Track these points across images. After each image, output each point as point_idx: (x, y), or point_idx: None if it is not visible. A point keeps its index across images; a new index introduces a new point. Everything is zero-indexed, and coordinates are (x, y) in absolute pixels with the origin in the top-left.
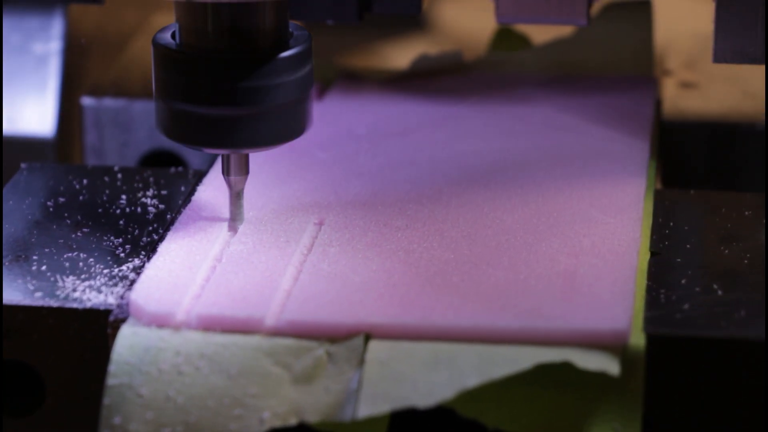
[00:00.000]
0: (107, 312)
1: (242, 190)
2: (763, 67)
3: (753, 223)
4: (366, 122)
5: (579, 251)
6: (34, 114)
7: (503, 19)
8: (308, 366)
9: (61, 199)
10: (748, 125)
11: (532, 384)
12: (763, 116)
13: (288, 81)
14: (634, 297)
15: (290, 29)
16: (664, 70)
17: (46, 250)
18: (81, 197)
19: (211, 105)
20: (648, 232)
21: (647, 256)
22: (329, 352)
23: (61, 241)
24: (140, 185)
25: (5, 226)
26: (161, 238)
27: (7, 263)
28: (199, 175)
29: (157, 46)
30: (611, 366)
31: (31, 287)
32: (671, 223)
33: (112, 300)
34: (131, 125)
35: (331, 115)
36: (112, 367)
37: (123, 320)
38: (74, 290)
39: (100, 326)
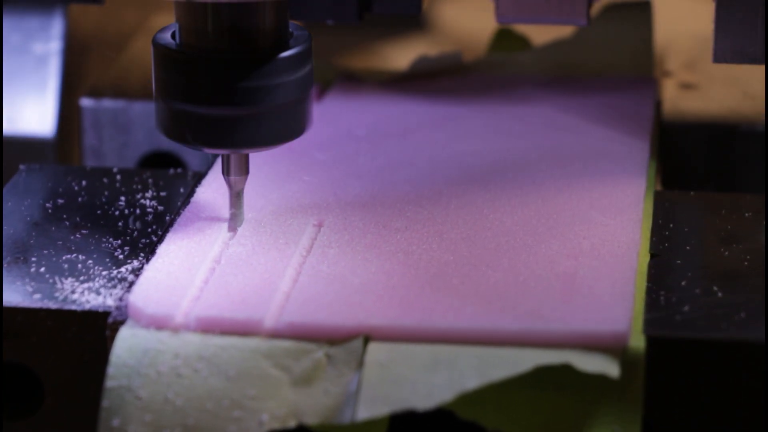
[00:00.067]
0: (106, 314)
1: (242, 190)
2: (763, 68)
3: (753, 225)
4: (365, 123)
5: (579, 253)
6: (34, 114)
7: (503, 19)
8: (307, 368)
9: (60, 201)
10: (748, 126)
11: (531, 386)
12: (763, 117)
13: (288, 81)
14: (633, 299)
15: (290, 29)
16: (664, 71)
17: (45, 251)
18: (80, 199)
19: (211, 105)
20: (648, 234)
21: (647, 257)
22: (328, 354)
23: (60, 242)
24: (139, 187)
25: (4, 227)
26: (160, 240)
27: (6, 265)
28: (198, 177)
29: (157, 46)
30: (611, 368)
31: (30, 289)
32: (671, 225)
33: (110, 302)
34: (130, 126)
35: (330, 116)
36: (111, 369)
37: (122, 322)
38: (73, 292)
39: (99, 328)
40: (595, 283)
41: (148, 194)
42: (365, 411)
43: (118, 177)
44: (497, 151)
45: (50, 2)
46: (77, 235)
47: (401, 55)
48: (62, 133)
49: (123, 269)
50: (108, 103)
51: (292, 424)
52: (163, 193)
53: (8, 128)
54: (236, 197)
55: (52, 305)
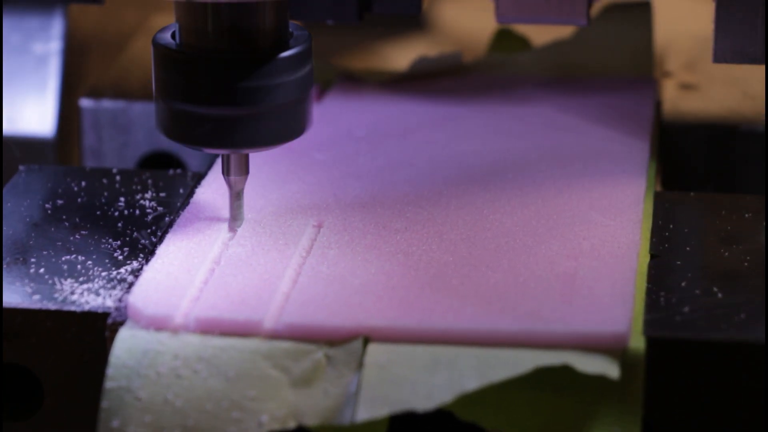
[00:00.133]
0: (105, 315)
1: (242, 190)
2: (763, 68)
3: (753, 225)
4: (365, 123)
5: (578, 253)
6: (34, 114)
7: (503, 20)
8: (307, 369)
9: (60, 202)
10: (748, 127)
11: (531, 387)
12: (763, 117)
13: (288, 81)
14: (633, 300)
15: (290, 29)
16: (663, 71)
17: (45, 252)
18: (79, 199)
19: (211, 105)
20: (648, 235)
21: (647, 258)
22: (328, 355)
23: (60, 243)
24: (139, 187)
25: (3, 228)
26: (160, 241)
27: (5, 265)
28: (198, 177)
29: (157, 46)
30: (611, 369)
31: (30, 290)
32: (671, 225)
33: (110, 303)
34: (130, 127)
35: (330, 117)
36: (110, 370)
37: (121, 323)
38: (72, 293)
39: (99, 329)
40: (595, 284)
41: (148, 195)
42: (365, 412)
43: (118, 178)
44: (497, 151)
45: (50, 2)
46: (77, 236)
47: (401, 55)
48: (62, 133)
49: (122, 270)
50: (107, 104)
51: (291, 425)
52: (162, 194)
53: (8, 128)
54: (236, 197)
55: (51, 306)
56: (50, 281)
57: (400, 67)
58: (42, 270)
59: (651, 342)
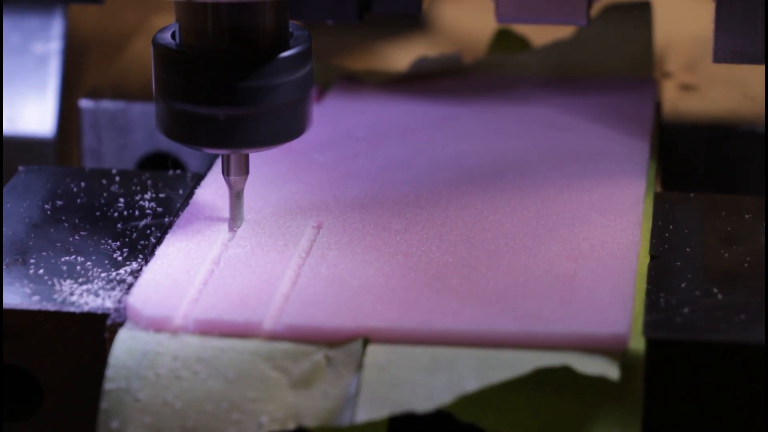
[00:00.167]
0: (105, 316)
1: (242, 190)
2: (762, 68)
3: (753, 226)
4: (365, 124)
5: (578, 254)
6: (34, 114)
7: (503, 19)
8: (307, 370)
9: (59, 202)
10: (748, 127)
11: (531, 388)
12: (763, 118)
13: (288, 81)
14: (633, 301)
15: (290, 29)
16: (663, 72)
17: (44, 253)
18: (79, 200)
19: (211, 105)
20: (648, 235)
21: (647, 259)
22: (328, 356)
23: (59, 244)
24: (138, 188)
25: (3, 228)
26: (159, 242)
27: (4, 266)
28: (198, 178)
29: (157, 46)
30: (611, 370)
31: (29, 291)
32: (671, 226)
33: (109, 304)
34: (129, 128)
35: (330, 117)
36: (110, 372)
37: (120, 324)
38: (72, 294)
39: (98, 330)
40: (595, 285)
41: (147, 196)
42: (364, 413)
43: (117, 178)
44: (497, 151)
45: (50, 2)
46: (76, 237)
47: (401, 55)
48: (62, 134)
49: (122, 271)
50: (107, 105)
51: (291, 426)
52: (162, 195)
53: (8, 128)
54: (236, 197)
55: (50, 307)
56: (49, 282)
57: (400, 68)
58: (41, 271)
59: (651, 343)
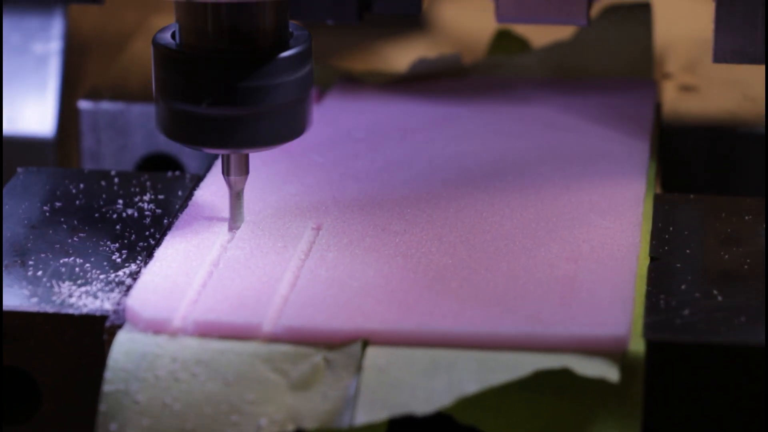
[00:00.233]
0: (103, 318)
1: (242, 190)
2: (762, 69)
3: (753, 228)
4: (365, 125)
5: (578, 256)
6: (34, 114)
7: (503, 20)
8: (306, 372)
9: (58, 204)
10: (748, 129)
11: (531, 390)
12: (762, 119)
13: (288, 81)
14: (633, 302)
15: (290, 29)
16: (663, 73)
17: (43, 255)
18: (77, 201)
19: (211, 105)
20: (647, 237)
21: (647, 261)
22: (327, 358)
23: (58, 246)
24: (137, 189)
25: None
26: (158, 243)
27: (3, 268)
28: (197, 180)
29: (157, 46)
30: (610, 372)
31: (28, 292)
32: (671, 228)
33: (108, 306)
34: (129, 129)
35: (329, 118)
36: (109, 374)
37: (119, 326)
38: (70, 296)
39: (97, 332)
40: (595, 287)
41: (146, 197)
42: (364, 415)
43: (116, 180)
44: (497, 152)
45: (50, 2)
46: (75, 239)
47: (401, 55)
48: (62, 134)
49: (121, 273)
50: (106, 106)
51: (290, 428)
52: (161, 196)
53: (8, 128)
54: (236, 197)
55: (49, 309)
56: (48, 284)
57: (400, 68)
58: (40, 273)
59: (651, 345)
